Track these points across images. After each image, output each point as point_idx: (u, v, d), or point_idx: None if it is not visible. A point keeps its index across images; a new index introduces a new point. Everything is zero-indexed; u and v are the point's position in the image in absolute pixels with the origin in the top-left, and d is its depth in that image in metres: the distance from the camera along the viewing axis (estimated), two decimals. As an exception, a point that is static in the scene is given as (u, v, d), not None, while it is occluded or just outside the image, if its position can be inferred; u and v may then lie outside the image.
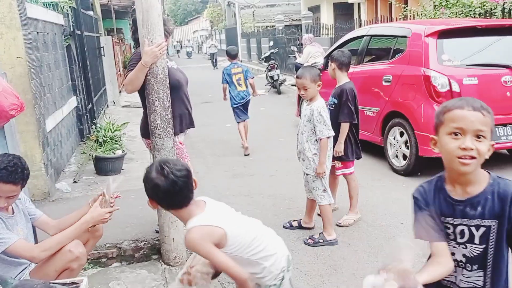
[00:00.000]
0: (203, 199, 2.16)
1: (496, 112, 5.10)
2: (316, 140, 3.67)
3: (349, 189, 4.17)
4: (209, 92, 14.45)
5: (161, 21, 3.12)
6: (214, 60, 25.79)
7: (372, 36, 6.25)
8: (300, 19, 19.72)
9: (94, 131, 6.61)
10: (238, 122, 7.03)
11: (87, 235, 2.69)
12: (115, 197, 2.73)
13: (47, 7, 5.87)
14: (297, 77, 3.77)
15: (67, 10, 6.71)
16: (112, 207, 2.66)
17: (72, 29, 7.02)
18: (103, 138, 6.11)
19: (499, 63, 5.02)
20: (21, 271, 2.45)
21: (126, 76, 3.30)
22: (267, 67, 13.82)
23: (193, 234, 1.95)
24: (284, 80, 13.85)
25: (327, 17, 20.18)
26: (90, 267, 3.43)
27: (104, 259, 3.53)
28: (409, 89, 5.18)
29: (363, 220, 4.17)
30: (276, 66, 13.44)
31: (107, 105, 10.78)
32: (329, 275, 3.32)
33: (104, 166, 5.58)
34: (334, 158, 3.97)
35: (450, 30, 5.14)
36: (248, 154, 6.72)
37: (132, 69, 3.22)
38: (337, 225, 4.05)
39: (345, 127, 3.98)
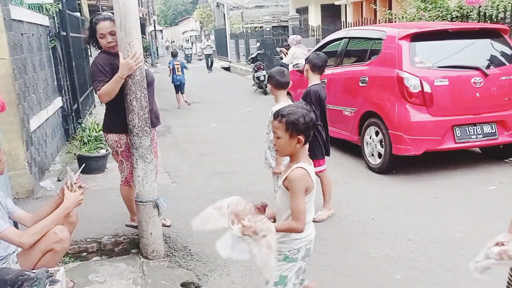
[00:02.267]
0: None
1: (466, 112, 5.33)
2: (271, 141, 3.87)
3: (322, 187, 4.33)
4: (198, 94, 14.59)
5: (138, 25, 3.27)
6: (209, 62, 24.19)
7: (350, 38, 6.44)
8: (288, 20, 19.90)
9: (79, 131, 6.73)
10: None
11: (61, 221, 2.83)
12: (78, 181, 2.87)
13: (32, 9, 5.98)
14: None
15: (52, 12, 6.81)
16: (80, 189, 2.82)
17: (57, 30, 7.13)
18: (88, 137, 6.25)
19: (469, 65, 5.23)
20: (2, 259, 2.57)
21: (98, 87, 3.45)
22: (254, 68, 13.99)
23: (300, 171, 2.20)
24: (271, 81, 14.00)
25: (315, 18, 20.37)
26: (70, 260, 3.56)
27: (84, 253, 3.68)
28: (383, 90, 5.37)
29: (337, 216, 4.34)
30: (262, 67, 13.60)
31: (94, 105, 10.87)
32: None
33: (88, 165, 5.68)
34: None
35: (422, 33, 5.33)
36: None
37: (99, 80, 3.42)
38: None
39: None
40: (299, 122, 2.21)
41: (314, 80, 4.28)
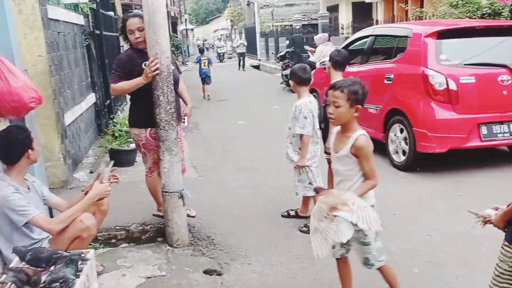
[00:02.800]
0: None
1: (493, 110, 5.30)
2: (294, 136, 3.97)
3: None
4: (226, 91, 14.80)
5: (166, 24, 3.44)
6: (241, 61, 23.47)
7: (377, 36, 6.46)
8: (318, 18, 19.90)
9: (110, 126, 7.01)
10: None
11: (93, 209, 3.02)
12: (111, 176, 3.07)
13: (68, 8, 6.26)
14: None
15: (87, 11, 7.10)
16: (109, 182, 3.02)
17: (91, 29, 7.42)
18: (119, 132, 6.51)
19: (496, 62, 5.18)
20: (35, 243, 2.78)
21: (114, 80, 3.68)
22: (282, 66, 14.08)
23: (365, 137, 2.53)
24: (299, 79, 14.06)
25: (345, 16, 20.30)
26: (100, 246, 3.77)
27: (113, 240, 3.88)
28: (408, 88, 5.39)
29: (357, 211, 4.39)
30: (290, 65, 13.67)
31: (126, 102, 11.20)
32: (318, 258, 3.57)
33: (119, 158, 5.93)
34: (327, 152, 4.23)
35: (449, 31, 5.32)
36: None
37: (117, 74, 3.65)
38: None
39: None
40: (359, 92, 2.50)
41: (336, 77, 4.34)
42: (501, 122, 5.13)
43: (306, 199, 4.28)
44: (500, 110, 5.12)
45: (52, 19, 5.16)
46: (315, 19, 22.71)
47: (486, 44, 5.34)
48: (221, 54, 31.87)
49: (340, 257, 2.81)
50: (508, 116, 5.13)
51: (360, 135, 2.53)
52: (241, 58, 23.48)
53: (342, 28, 15.67)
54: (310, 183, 4.03)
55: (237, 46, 24.31)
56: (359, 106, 2.52)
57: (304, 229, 4.04)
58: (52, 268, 2.25)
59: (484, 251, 3.44)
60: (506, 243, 2.16)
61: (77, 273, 2.28)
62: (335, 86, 2.54)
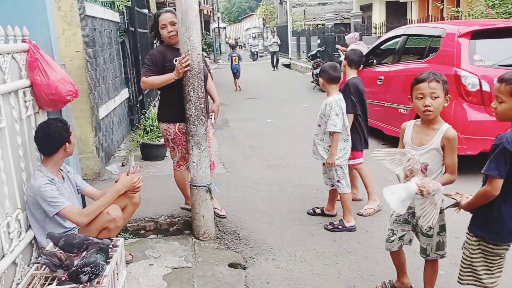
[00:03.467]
0: None
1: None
2: (325, 133, 3.99)
3: (362, 179, 4.44)
4: (256, 89, 14.87)
5: (198, 21, 3.51)
6: (275, 60, 22.77)
7: (409, 35, 6.38)
8: (350, 18, 19.71)
9: (142, 121, 7.17)
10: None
11: (126, 201, 3.12)
12: (135, 170, 3.15)
13: (104, 5, 6.45)
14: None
15: (122, 8, 7.29)
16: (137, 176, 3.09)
17: (126, 26, 7.61)
18: (150, 127, 6.66)
19: (533, 64, 5.03)
20: (67, 231, 2.89)
21: (146, 74, 3.76)
22: (313, 65, 14.03)
23: (454, 130, 2.59)
24: (330, 78, 14.00)
25: (379, 16, 20.02)
26: (130, 237, 3.90)
27: (142, 231, 4.00)
28: (440, 88, 5.29)
29: (384, 210, 4.38)
30: (321, 64, 13.61)
31: (158, 98, 11.42)
32: (343, 256, 3.59)
33: (150, 152, 6.10)
34: None
35: (483, 31, 5.21)
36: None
37: (148, 68, 3.74)
38: (358, 215, 4.30)
39: (349, 118, 4.20)
40: (447, 82, 2.55)
41: (351, 74, 4.43)
42: (536, 126, 4.98)
43: (332, 198, 4.29)
44: (536, 113, 4.97)
45: (89, 16, 5.33)
46: (347, 18, 22.50)
47: (522, 45, 5.20)
48: (255, 53, 30.76)
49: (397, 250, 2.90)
50: (544, 119, 4.98)
51: (449, 127, 2.58)
52: (274, 56, 22.90)
53: (375, 27, 15.46)
54: (338, 180, 4.04)
55: (270, 45, 23.35)
56: (450, 96, 2.61)
57: (330, 227, 4.05)
58: (84, 253, 2.35)
59: (513, 255, 3.37)
60: (467, 231, 2.47)
61: (107, 260, 2.37)
62: (427, 78, 2.60)
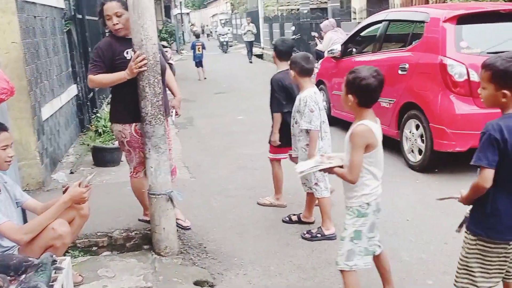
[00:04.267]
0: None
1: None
2: (301, 131, 4.04)
3: (272, 173, 4.74)
4: (225, 83, 14.84)
5: (152, 6, 3.45)
6: (250, 51, 21.96)
7: (390, 21, 6.48)
8: (327, 2, 19.88)
9: (94, 121, 7.04)
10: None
11: (73, 213, 3.04)
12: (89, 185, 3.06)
13: (46, -10, 6.29)
14: None
15: (68, -7, 7.14)
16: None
17: (73, 13, 7.45)
18: (103, 128, 6.54)
19: (523, 50, 5.17)
20: (5, 251, 2.79)
21: (93, 72, 3.69)
22: (287, 55, 14.03)
23: (361, 127, 2.67)
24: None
25: (359, 0, 20.25)
26: (80, 255, 3.81)
27: (94, 248, 3.91)
28: (425, 79, 5.40)
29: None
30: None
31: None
32: (322, 268, 3.59)
33: (103, 157, 5.99)
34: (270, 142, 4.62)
35: (471, 15, 5.33)
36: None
37: (95, 65, 3.67)
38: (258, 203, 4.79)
39: (276, 118, 4.44)
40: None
41: (281, 67, 4.49)
42: (528, 118, 5.12)
43: (310, 203, 4.30)
44: (528, 104, 5.11)
45: (27, 1, 5.19)
46: (324, 2, 22.68)
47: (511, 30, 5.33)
48: (224, 43, 28.89)
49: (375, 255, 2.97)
50: (537, 111, 5.13)
51: (359, 124, 2.69)
52: (250, 47, 22.00)
53: (355, 12, 15.62)
54: (316, 183, 4.05)
55: (244, 34, 22.18)
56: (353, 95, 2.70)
57: (307, 235, 4.06)
58: (22, 277, 2.27)
59: (507, 260, 3.44)
60: (465, 230, 2.57)
61: (51, 282, 2.29)
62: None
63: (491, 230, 2.42)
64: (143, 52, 3.45)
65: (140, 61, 3.43)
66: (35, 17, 5.48)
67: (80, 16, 7.78)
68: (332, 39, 10.42)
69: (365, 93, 2.68)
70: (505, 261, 2.46)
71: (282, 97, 4.41)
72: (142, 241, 3.97)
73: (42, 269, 2.20)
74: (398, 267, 3.54)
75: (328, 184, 4.09)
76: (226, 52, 28.20)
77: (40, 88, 5.36)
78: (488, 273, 2.47)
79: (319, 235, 4.04)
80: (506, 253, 2.44)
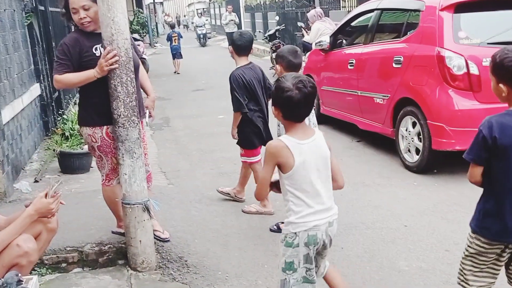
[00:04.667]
0: (316, 131, 2.74)
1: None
2: None
3: (254, 177, 4.81)
4: (203, 79, 14.84)
5: (123, -3, 3.44)
6: None
7: (383, 10, 6.55)
8: (314, -11, 20.00)
9: (60, 124, 7.00)
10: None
11: (39, 227, 3.03)
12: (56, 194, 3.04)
13: (4, -21, 6.23)
14: None
15: (28, -18, 7.08)
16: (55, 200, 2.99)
17: (34, 5, 7.39)
18: (70, 131, 6.52)
19: (526, 40, 5.27)
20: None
21: (59, 71, 3.66)
22: (271, 47, 14.14)
23: (274, 143, 2.64)
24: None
25: (348, -14, 20.43)
26: (47, 272, 3.78)
27: (63, 264, 3.89)
28: (421, 72, 5.47)
29: (362, 222, 4.47)
30: (281, 46, 13.74)
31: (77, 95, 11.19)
32: (314, 281, 3.61)
33: (70, 163, 5.96)
34: (238, 144, 4.85)
35: (469, 3, 5.41)
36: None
37: (61, 63, 3.64)
38: (242, 211, 4.84)
39: (235, 116, 4.65)
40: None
41: (239, 62, 4.64)
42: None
43: None
44: (532, 98, 5.21)
45: (-17, -8, 5.14)
46: (311, -11, 22.82)
47: (513, 19, 5.44)
48: (202, 36, 28.20)
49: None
50: (541, 105, 5.23)
51: (276, 139, 2.76)
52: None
53: (344, 0, 15.76)
54: None
55: (226, 24, 21.83)
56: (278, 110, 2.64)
57: (275, 227, 4.26)
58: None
59: None
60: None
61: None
62: None
63: (485, 229, 2.54)
64: (114, 47, 3.44)
65: (111, 58, 3.42)
66: (-8, 9, 5.43)
67: (42, 8, 7.72)
68: (320, 29, 10.48)
69: (287, 107, 2.57)
70: (498, 264, 2.56)
71: (242, 94, 4.56)
72: (117, 256, 3.96)
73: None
74: (396, 277, 3.60)
75: None
76: (204, 46, 27.77)
77: (-1, 88, 5.32)
78: (480, 271, 2.59)
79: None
80: (500, 255, 2.53)
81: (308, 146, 2.57)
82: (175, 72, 16.51)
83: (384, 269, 3.71)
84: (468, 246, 2.62)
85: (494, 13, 5.47)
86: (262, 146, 4.57)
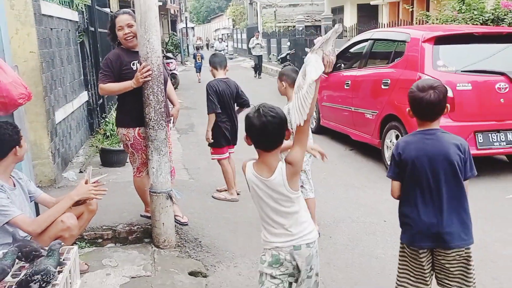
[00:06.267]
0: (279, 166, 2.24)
1: (489, 118, 5.45)
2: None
3: (223, 173, 5.08)
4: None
5: (157, 23, 3.57)
6: (257, 66, 19.54)
7: (375, 40, 6.61)
8: (321, 20, 20.06)
9: (103, 125, 7.14)
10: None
11: (82, 208, 3.15)
12: (96, 182, 3.16)
13: (62, 4, 6.40)
14: None
15: (82, 7, 7.25)
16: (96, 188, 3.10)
17: (86, 26, 7.57)
18: (111, 132, 6.64)
19: (494, 70, 5.32)
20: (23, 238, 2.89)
21: (103, 80, 3.81)
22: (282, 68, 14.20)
23: (244, 161, 2.33)
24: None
25: (350, 18, 20.44)
26: (86, 246, 3.89)
27: (99, 240, 4.00)
28: (405, 93, 5.36)
29: (349, 217, 4.54)
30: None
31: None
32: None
33: (109, 158, 6.08)
34: (209, 145, 5.07)
35: (447, 36, 5.47)
36: None
37: (105, 74, 3.80)
38: (212, 197, 5.10)
39: (210, 118, 4.94)
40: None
41: (217, 76, 5.03)
42: (498, 131, 5.27)
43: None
44: (497, 118, 5.26)
45: (45, 15, 5.30)
46: (318, 20, 22.89)
47: (484, 51, 5.50)
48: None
49: None
50: (505, 125, 5.27)
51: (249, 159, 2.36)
52: (258, 61, 19.62)
53: (346, 30, 15.79)
54: (302, 185, 4.14)
55: (253, 47, 20.07)
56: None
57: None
58: (30, 264, 2.37)
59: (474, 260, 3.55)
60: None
61: (60, 266, 2.39)
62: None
63: (405, 236, 2.53)
64: (148, 64, 3.57)
65: (146, 72, 3.55)
66: (51, 29, 5.59)
67: (92, 29, 7.88)
68: (324, 54, 10.56)
69: (250, 134, 2.22)
70: (423, 267, 2.48)
71: (215, 100, 4.85)
72: (143, 235, 4.06)
73: (51, 255, 2.30)
74: (374, 263, 3.66)
75: (312, 186, 4.19)
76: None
77: (54, 94, 5.46)
78: (412, 276, 2.54)
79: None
80: (421, 259, 2.47)
81: (261, 181, 2.25)
82: (198, 81, 17.56)
83: (364, 256, 3.78)
84: (399, 254, 2.60)
85: (468, 45, 5.52)
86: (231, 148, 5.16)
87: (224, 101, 4.93)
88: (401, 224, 2.57)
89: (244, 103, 5.12)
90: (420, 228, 2.43)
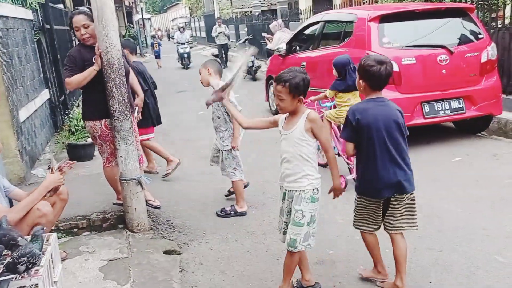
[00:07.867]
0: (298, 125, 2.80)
1: (434, 89, 5.81)
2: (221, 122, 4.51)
3: (154, 151, 5.59)
4: (186, 83, 15.01)
5: (114, 18, 3.73)
6: (223, 55, 17.94)
7: (326, 21, 6.89)
8: (276, 4, 20.25)
9: (66, 122, 7.20)
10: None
11: (53, 198, 3.31)
12: (65, 165, 3.37)
13: (15, 3, 6.39)
14: None
15: (35, 5, 7.22)
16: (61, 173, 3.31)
17: (41, 24, 7.54)
18: (75, 127, 6.72)
19: (435, 44, 5.69)
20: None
21: (69, 75, 3.95)
22: (241, 54, 14.32)
23: (315, 113, 2.80)
24: (259, 67, 14.48)
25: (305, 1, 20.71)
26: (63, 236, 4.06)
27: (75, 229, 4.17)
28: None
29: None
30: (249, 52, 13.97)
31: (81, 97, 11.29)
32: (271, 233, 3.95)
33: (77, 153, 6.17)
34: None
35: (390, 15, 5.80)
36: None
37: (69, 69, 3.95)
38: (163, 177, 5.47)
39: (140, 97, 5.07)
40: (301, 84, 2.73)
41: (133, 59, 5.47)
42: (442, 100, 5.67)
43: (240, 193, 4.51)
44: (441, 89, 5.66)
45: (0, 15, 5.32)
46: (274, 4, 23.08)
47: (426, 27, 5.85)
48: (185, 56, 19.42)
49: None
50: (448, 94, 5.68)
51: (310, 112, 2.75)
52: (222, 50, 18.24)
53: (301, 13, 16.08)
54: (234, 168, 4.42)
55: (216, 36, 18.34)
56: (302, 97, 2.74)
57: (222, 213, 4.41)
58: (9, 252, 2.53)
59: (421, 217, 3.90)
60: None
61: (43, 250, 2.57)
62: (278, 79, 2.74)
63: (367, 190, 2.92)
64: (109, 58, 3.73)
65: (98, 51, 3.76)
66: (7, 29, 5.61)
67: (48, 26, 7.86)
68: (281, 38, 10.80)
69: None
70: (379, 212, 2.94)
71: (139, 79, 5.14)
72: (117, 221, 4.24)
73: (35, 240, 2.47)
74: (334, 227, 3.97)
75: (242, 170, 4.45)
76: (187, 68, 19.44)
77: (16, 94, 5.51)
78: (368, 220, 3.00)
79: (232, 212, 4.40)
80: (377, 207, 2.92)
81: (284, 135, 2.81)
82: (158, 67, 19.67)
83: (326, 223, 4.06)
84: (356, 203, 3.02)
85: (410, 22, 5.86)
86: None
87: (145, 79, 5.53)
88: (360, 179, 2.94)
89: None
90: (383, 181, 2.81)
